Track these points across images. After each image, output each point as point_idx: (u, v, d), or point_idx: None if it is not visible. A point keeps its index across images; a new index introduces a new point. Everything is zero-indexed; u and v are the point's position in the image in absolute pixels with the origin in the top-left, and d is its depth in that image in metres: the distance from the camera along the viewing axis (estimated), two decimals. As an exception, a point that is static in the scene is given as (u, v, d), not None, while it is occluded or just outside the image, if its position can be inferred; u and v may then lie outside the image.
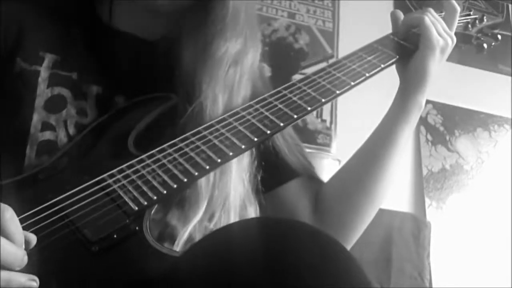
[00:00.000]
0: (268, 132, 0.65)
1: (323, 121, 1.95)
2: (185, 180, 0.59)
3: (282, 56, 1.99)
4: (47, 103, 0.71)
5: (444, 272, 1.79)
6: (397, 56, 0.78)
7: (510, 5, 2.41)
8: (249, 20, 0.78)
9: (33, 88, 0.71)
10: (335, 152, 1.87)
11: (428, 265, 1.63)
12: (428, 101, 2.09)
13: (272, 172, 0.79)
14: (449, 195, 1.99)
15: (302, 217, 0.81)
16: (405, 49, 0.80)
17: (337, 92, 0.71)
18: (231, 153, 0.62)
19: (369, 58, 0.77)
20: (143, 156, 0.62)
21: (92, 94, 0.73)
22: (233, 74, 0.74)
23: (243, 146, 0.63)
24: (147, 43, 0.78)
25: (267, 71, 0.88)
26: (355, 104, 1.79)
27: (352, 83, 0.72)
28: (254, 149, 0.75)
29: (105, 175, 0.60)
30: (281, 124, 0.66)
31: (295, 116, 0.67)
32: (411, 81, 0.79)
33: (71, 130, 0.70)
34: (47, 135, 0.69)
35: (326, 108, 1.97)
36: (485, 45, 0.94)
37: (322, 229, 0.79)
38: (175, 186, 0.59)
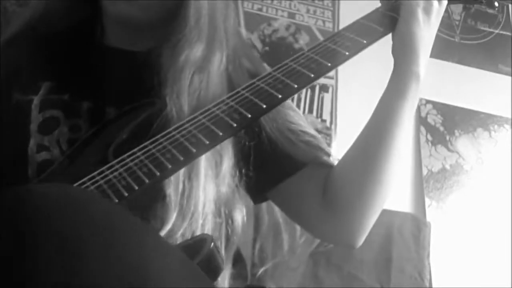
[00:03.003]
0: (235, 125, 0.64)
1: (323, 121, 1.95)
2: (147, 181, 0.59)
3: (282, 56, 1.99)
4: (41, 127, 0.74)
5: (444, 272, 1.79)
6: (382, 29, 0.74)
7: (510, 5, 2.41)
8: (211, 23, 0.78)
9: (28, 115, 0.75)
10: (335, 152, 1.87)
11: (428, 265, 1.63)
12: (428, 101, 2.10)
13: (273, 168, 0.78)
14: (449, 195, 1.99)
15: (311, 208, 0.79)
16: (393, 19, 0.75)
17: (312, 76, 0.68)
18: (194, 150, 0.62)
19: (352, 36, 0.73)
20: (113, 162, 0.62)
21: (84, 110, 0.76)
22: (198, 81, 0.73)
23: (207, 142, 0.62)
24: (134, 54, 0.80)
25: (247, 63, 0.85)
26: (355, 104, 1.79)
27: (329, 65, 0.69)
28: (233, 150, 0.74)
29: (77, 183, 0.61)
30: (249, 116, 0.64)
31: (264, 106, 0.65)
32: (400, 51, 0.75)
33: (65, 147, 0.73)
34: (43, 155, 0.73)
35: (326, 108, 1.97)
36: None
37: (332, 216, 0.78)
38: (136, 187, 0.59)
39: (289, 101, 0.84)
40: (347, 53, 0.71)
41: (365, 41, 0.72)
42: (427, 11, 0.74)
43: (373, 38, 0.73)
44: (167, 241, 0.55)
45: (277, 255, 0.89)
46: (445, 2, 0.77)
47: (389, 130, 0.74)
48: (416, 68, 0.74)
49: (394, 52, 0.76)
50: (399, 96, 0.75)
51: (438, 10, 0.76)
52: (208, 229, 0.70)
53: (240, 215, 0.76)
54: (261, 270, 0.89)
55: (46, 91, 0.77)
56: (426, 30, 0.74)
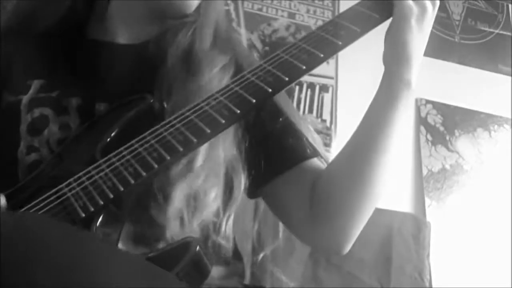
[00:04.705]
0: (223, 121, 0.61)
1: (323, 121, 1.95)
2: (133, 182, 0.58)
3: (282, 56, 1.99)
4: (30, 127, 0.73)
5: (444, 272, 1.79)
6: (378, 16, 0.70)
7: (510, 5, 2.41)
8: (205, 14, 0.80)
9: (17, 117, 0.74)
10: (335, 152, 1.87)
11: (428, 265, 1.63)
12: (428, 101, 2.10)
13: (266, 164, 0.77)
14: (449, 195, 1.99)
15: (299, 212, 0.78)
16: (389, 5, 0.71)
17: (304, 67, 0.65)
18: (181, 149, 0.60)
19: (346, 24, 0.69)
20: (100, 162, 0.61)
21: (72, 107, 0.75)
22: (189, 72, 0.74)
23: (195, 140, 0.60)
24: (129, 47, 0.80)
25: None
26: (355, 104, 1.79)
27: (322, 55, 0.66)
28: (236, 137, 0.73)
29: (63, 184, 0.60)
30: (238, 111, 0.62)
31: (254, 101, 0.63)
32: (392, 60, 0.72)
33: (54, 147, 0.72)
34: (33, 156, 0.72)
35: (326, 108, 1.97)
36: None
37: (318, 222, 0.77)
38: (122, 189, 0.58)
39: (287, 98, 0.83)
40: (340, 43, 0.68)
41: (359, 30, 0.69)
42: (420, 18, 0.71)
43: (368, 26, 0.70)
44: (126, 252, 0.55)
45: (274, 242, 0.88)
46: (437, 7, 0.73)
47: (379, 140, 0.72)
48: (408, 75, 0.71)
49: (386, 59, 0.73)
50: (391, 105, 0.72)
51: (431, 16, 0.73)
52: (208, 188, 0.69)
53: (241, 181, 0.74)
54: (260, 256, 0.88)
55: (35, 90, 0.76)
56: (420, 38, 0.71)
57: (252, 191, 0.81)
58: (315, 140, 0.82)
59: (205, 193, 0.70)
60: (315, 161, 0.80)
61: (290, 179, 0.78)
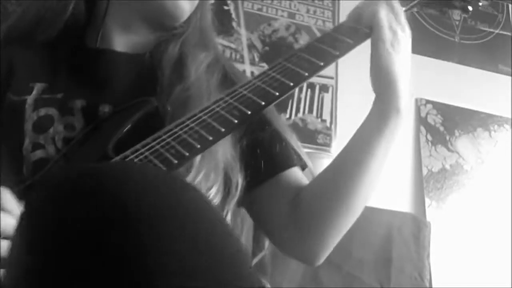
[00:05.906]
0: (236, 121, 0.65)
1: (323, 121, 1.95)
2: None
3: (282, 56, 1.99)
4: (35, 125, 0.75)
5: (444, 272, 1.79)
6: (368, 31, 0.75)
7: (510, 5, 2.41)
8: (202, 23, 0.89)
9: (22, 115, 0.76)
10: (335, 152, 1.87)
11: (428, 265, 1.64)
12: (428, 101, 2.10)
13: (258, 167, 0.79)
14: (449, 195, 1.99)
15: (279, 221, 0.80)
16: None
17: (306, 74, 0.70)
18: (198, 146, 0.62)
19: (340, 37, 0.74)
20: (117, 158, 0.63)
21: (77, 108, 0.77)
22: (191, 78, 0.79)
23: (210, 138, 0.63)
24: (128, 55, 0.84)
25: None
26: (355, 104, 1.79)
27: (322, 64, 0.71)
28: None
29: None
30: (249, 113, 0.66)
31: (263, 103, 0.67)
32: (377, 84, 0.74)
33: (60, 145, 0.74)
34: (39, 153, 0.74)
35: (326, 108, 1.97)
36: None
37: (297, 232, 0.79)
38: None
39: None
40: (337, 53, 0.73)
41: (352, 41, 0.74)
42: (395, 41, 0.73)
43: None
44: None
45: (270, 247, 0.90)
46: (407, 33, 0.75)
47: (363, 163, 0.74)
48: (397, 103, 0.73)
49: (374, 87, 0.75)
50: (378, 131, 0.74)
51: (406, 40, 0.74)
52: (209, 183, 0.72)
53: (239, 179, 0.77)
54: (256, 259, 0.90)
55: (38, 91, 0.79)
56: (400, 61, 0.73)
57: (242, 197, 0.83)
58: (300, 148, 0.86)
59: (206, 188, 0.72)
60: (299, 170, 0.84)
61: (277, 185, 0.81)
